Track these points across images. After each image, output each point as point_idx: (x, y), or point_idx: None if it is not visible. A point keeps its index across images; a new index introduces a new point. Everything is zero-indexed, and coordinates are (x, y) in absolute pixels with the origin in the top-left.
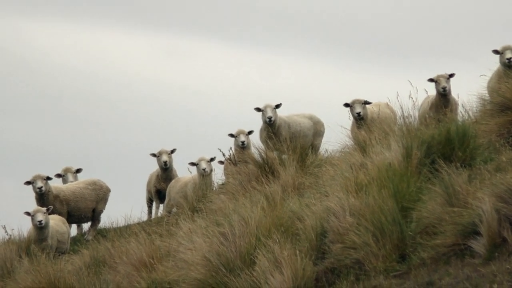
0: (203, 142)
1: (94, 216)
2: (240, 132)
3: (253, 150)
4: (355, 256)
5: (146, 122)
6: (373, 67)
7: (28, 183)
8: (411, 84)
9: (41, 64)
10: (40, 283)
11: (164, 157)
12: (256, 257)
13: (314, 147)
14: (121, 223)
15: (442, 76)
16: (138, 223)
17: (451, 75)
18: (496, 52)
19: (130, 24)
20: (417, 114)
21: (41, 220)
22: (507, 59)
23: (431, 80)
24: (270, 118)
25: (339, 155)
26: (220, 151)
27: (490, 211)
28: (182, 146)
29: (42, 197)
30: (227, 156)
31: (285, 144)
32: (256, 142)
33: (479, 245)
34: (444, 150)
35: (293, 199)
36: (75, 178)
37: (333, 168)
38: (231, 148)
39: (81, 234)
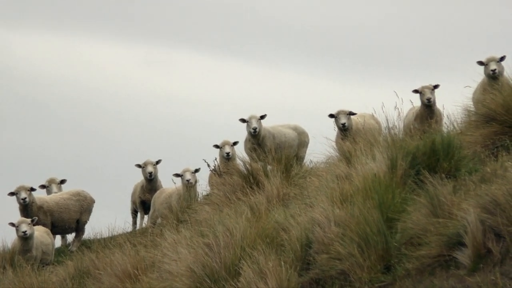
0: (188, 153)
1: (78, 227)
2: (225, 143)
3: (238, 161)
4: (340, 267)
5: (131, 133)
6: (358, 78)
7: (11, 194)
8: (396, 95)
9: (23, 73)
10: None
11: (149, 168)
12: (241, 268)
13: (299, 158)
14: (106, 234)
15: (427, 87)
16: (123, 234)
17: (436, 86)
18: (480, 63)
19: (115, 33)
20: (402, 125)
21: (26, 231)
22: (492, 70)
23: (416, 91)
24: (255, 129)
25: (324, 166)
26: (205, 162)
27: (475, 222)
28: (167, 157)
29: (26, 208)
30: (212, 167)
31: (270, 155)
32: (241, 153)
33: (464, 256)
34: (429, 161)
35: (278, 210)
36: (59, 189)
37: (318, 179)
38: (216, 159)
39: (65, 245)
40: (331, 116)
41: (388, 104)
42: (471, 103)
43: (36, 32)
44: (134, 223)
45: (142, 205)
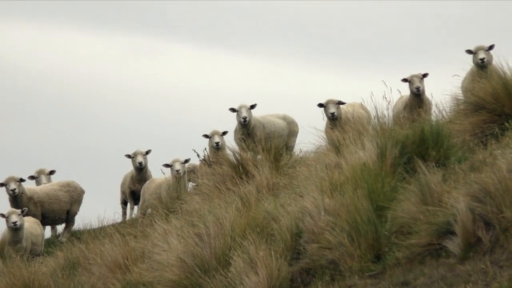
0: (177, 143)
1: (68, 218)
2: (215, 133)
3: (227, 151)
4: (330, 256)
5: (120, 123)
6: (347, 67)
7: (1, 185)
8: (385, 84)
9: (6, 63)
10: (14, 285)
11: (139, 158)
12: (231, 257)
13: (288, 148)
14: (95, 224)
15: (416, 76)
16: (112, 225)
17: (425, 75)
18: (469, 52)
19: (99, 25)
20: (391, 114)
21: (16, 222)
22: (480, 59)
23: (405, 80)
24: (245, 118)
25: (313, 155)
26: (195, 152)
27: (464, 211)
28: (157, 147)
29: (16, 199)
30: (201, 157)
31: (260, 144)
32: (230, 143)
33: (454, 245)
34: (418, 150)
35: (268, 199)
36: (49, 180)
37: (308, 169)
38: (205, 149)
39: (55, 236)
40: (320, 105)
41: (377, 93)
42: (460, 91)
43: (20, 24)
44: (124, 213)
45: (131, 195)
